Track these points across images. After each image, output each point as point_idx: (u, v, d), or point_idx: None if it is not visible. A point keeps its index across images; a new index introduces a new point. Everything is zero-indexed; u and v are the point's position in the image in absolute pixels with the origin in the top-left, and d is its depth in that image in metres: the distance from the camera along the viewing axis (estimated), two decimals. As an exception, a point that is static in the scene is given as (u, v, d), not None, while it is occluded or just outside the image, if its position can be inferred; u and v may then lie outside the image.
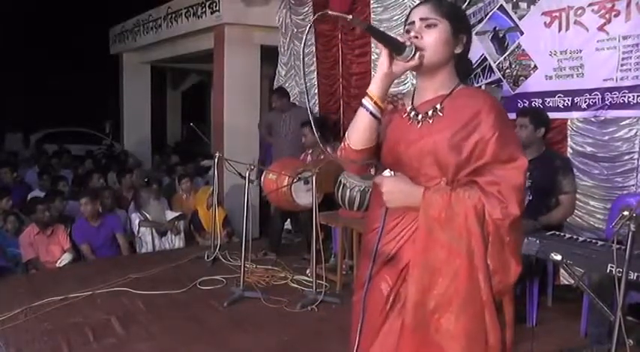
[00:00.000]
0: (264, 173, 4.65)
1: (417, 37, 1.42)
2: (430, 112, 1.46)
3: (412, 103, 1.52)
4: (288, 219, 5.27)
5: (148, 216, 5.48)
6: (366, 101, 1.44)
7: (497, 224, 1.36)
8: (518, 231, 1.41)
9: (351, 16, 1.37)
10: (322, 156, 4.55)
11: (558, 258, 2.48)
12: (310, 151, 4.76)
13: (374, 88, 1.43)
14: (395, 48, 1.39)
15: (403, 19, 5.56)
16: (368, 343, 1.52)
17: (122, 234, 5.25)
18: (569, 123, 3.73)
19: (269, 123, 5.71)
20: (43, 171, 7.35)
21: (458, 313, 1.38)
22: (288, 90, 6.03)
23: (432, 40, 1.42)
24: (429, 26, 1.43)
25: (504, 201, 1.35)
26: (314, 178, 3.75)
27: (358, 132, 1.47)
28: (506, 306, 1.47)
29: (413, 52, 1.39)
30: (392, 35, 1.40)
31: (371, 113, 1.43)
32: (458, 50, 1.47)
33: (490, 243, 1.38)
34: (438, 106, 1.45)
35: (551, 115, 3.55)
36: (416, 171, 1.45)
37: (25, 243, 4.73)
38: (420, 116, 1.47)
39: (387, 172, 1.45)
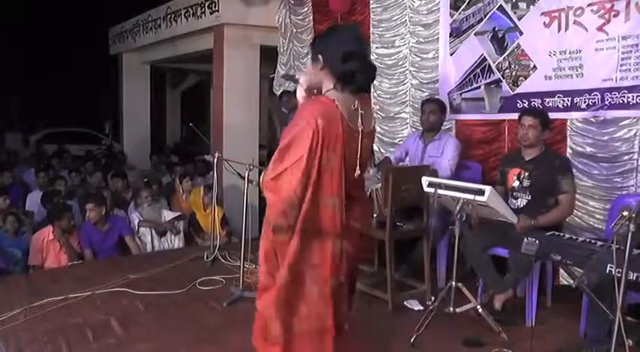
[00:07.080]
0: (262, 173, 4.63)
1: None
2: None
3: None
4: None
5: (146, 216, 5.48)
6: None
7: None
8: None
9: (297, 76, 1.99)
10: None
11: (558, 258, 2.48)
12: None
13: None
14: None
15: (403, 19, 5.54)
16: None
17: (131, 237, 5.16)
18: (568, 123, 3.73)
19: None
20: (41, 169, 7.33)
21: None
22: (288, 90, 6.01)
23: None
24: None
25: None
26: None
27: None
28: None
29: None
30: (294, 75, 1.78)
31: None
32: (318, 68, 1.94)
33: None
34: None
35: (551, 115, 3.55)
36: None
37: (36, 247, 4.68)
38: None
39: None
